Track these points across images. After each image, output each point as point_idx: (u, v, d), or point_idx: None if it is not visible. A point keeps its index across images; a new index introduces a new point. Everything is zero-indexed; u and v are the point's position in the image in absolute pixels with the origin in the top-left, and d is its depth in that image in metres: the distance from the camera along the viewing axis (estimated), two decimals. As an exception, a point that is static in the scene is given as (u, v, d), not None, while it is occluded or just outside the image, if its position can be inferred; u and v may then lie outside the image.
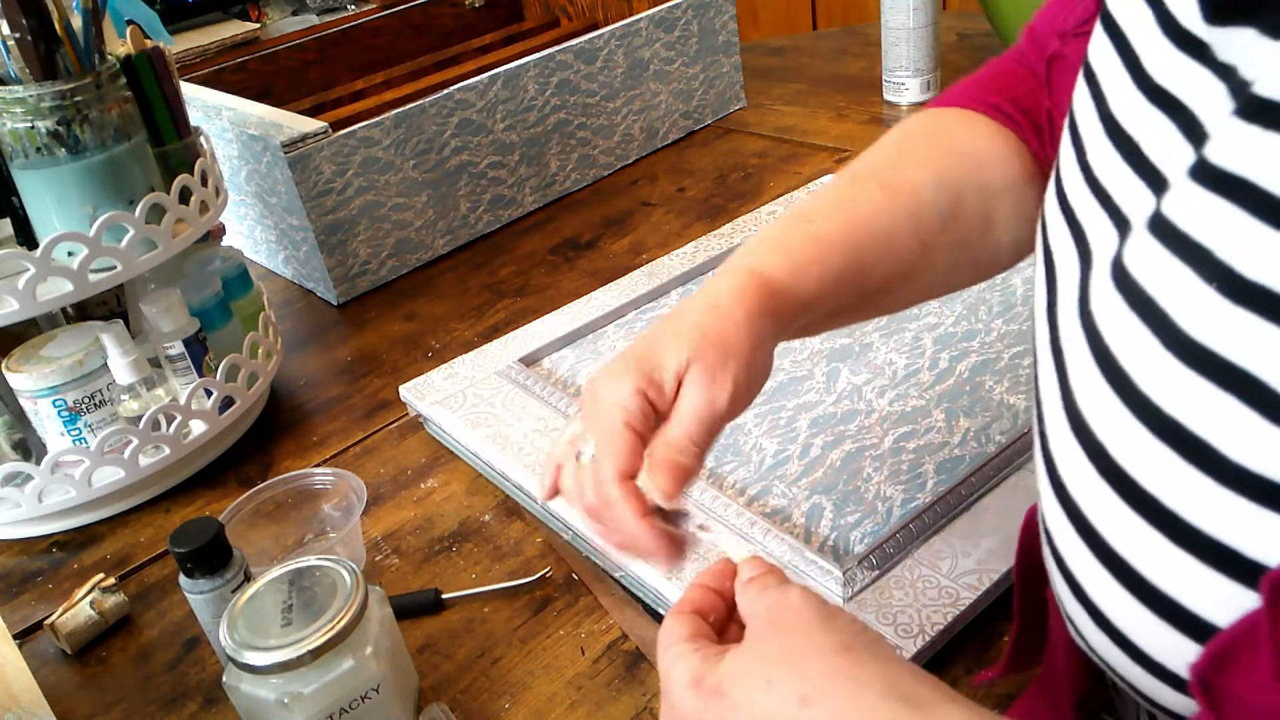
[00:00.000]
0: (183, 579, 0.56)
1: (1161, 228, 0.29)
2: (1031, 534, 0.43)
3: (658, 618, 0.59)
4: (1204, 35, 0.28)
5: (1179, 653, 0.30)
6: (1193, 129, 0.29)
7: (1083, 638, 0.35)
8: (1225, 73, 0.28)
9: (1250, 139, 0.26)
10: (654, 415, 0.43)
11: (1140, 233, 0.30)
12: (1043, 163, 0.50)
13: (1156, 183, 0.30)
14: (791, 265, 0.45)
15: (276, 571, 0.51)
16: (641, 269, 0.92)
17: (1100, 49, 0.34)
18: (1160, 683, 0.32)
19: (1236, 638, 0.27)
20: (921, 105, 1.23)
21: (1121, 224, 0.32)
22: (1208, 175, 0.27)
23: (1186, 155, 0.29)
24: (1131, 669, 0.33)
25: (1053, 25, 0.48)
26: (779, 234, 0.47)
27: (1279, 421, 0.26)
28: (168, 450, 0.74)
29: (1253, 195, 0.26)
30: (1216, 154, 0.27)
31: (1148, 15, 0.31)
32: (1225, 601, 0.28)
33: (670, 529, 0.42)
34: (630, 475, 0.41)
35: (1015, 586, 0.45)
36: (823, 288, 0.46)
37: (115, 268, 0.69)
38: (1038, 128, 0.50)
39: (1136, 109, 0.31)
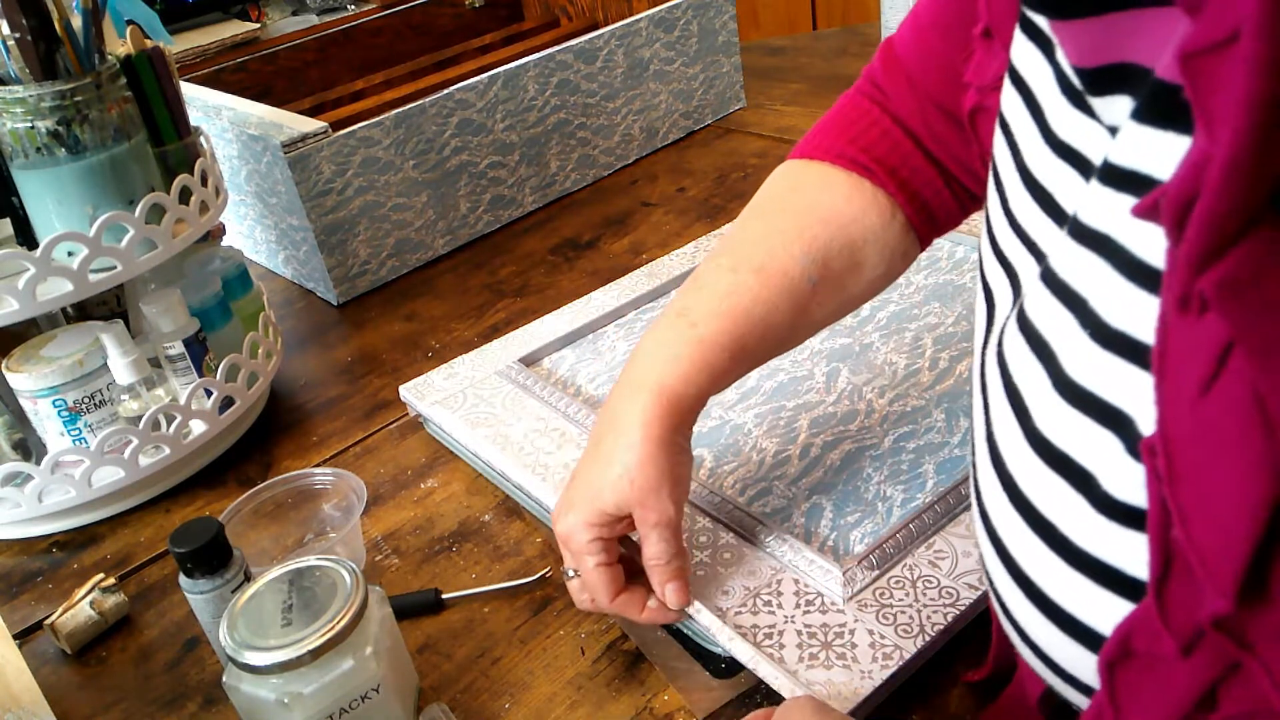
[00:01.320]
0: (183, 579, 0.56)
1: (1048, 277, 0.32)
2: None
3: (658, 618, 0.59)
4: (1091, 101, 0.31)
5: (1077, 659, 0.33)
6: (1087, 172, 0.31)
7: (1014, 645, 0.39)
8: (1112, 131, 0.30)
9: (1108, 200, 0.29)
10: (613, 541, 0.54)
11: (1035, 281, 0.33)
12: (901, 199, 0.55)
13: (1073, 228, 0.32)
14: (683, 375, 0.53)
15: (276, 571, 0.51)
16: (641, 269, 0.92)
17: (1011, 103, 0.37)
18: (1069, 687, 0.35)
19: None
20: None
21: (1042, 264, 0.34)
22: (1079, 232, 0.30)
23: (1075, 204, 0.31)
24: (1049, 675, 0.36)
25: (935, 63, 0.52)
26: (669, 342, 0.54)
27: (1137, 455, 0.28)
28: (168, 450, 0.74)
29: (1114, 251, 0.29)
30: (1085, 213, 0.30)
31: (1048, 74, 0.34)
32: (1110, 614, 0.30)
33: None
34: (617, 593, 0.54)
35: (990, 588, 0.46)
36: (714, 383, 0.54)
37: (115, 268, 0.69)
38: (891, 170, 0.55)
39: (1045, 161, 0.34)
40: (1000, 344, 0.36)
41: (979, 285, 0.41)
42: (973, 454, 0.40)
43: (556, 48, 1.08)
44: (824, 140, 0.57)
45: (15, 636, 0.65)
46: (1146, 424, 0.28)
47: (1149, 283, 0.28)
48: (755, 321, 0.54)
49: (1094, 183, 0.29)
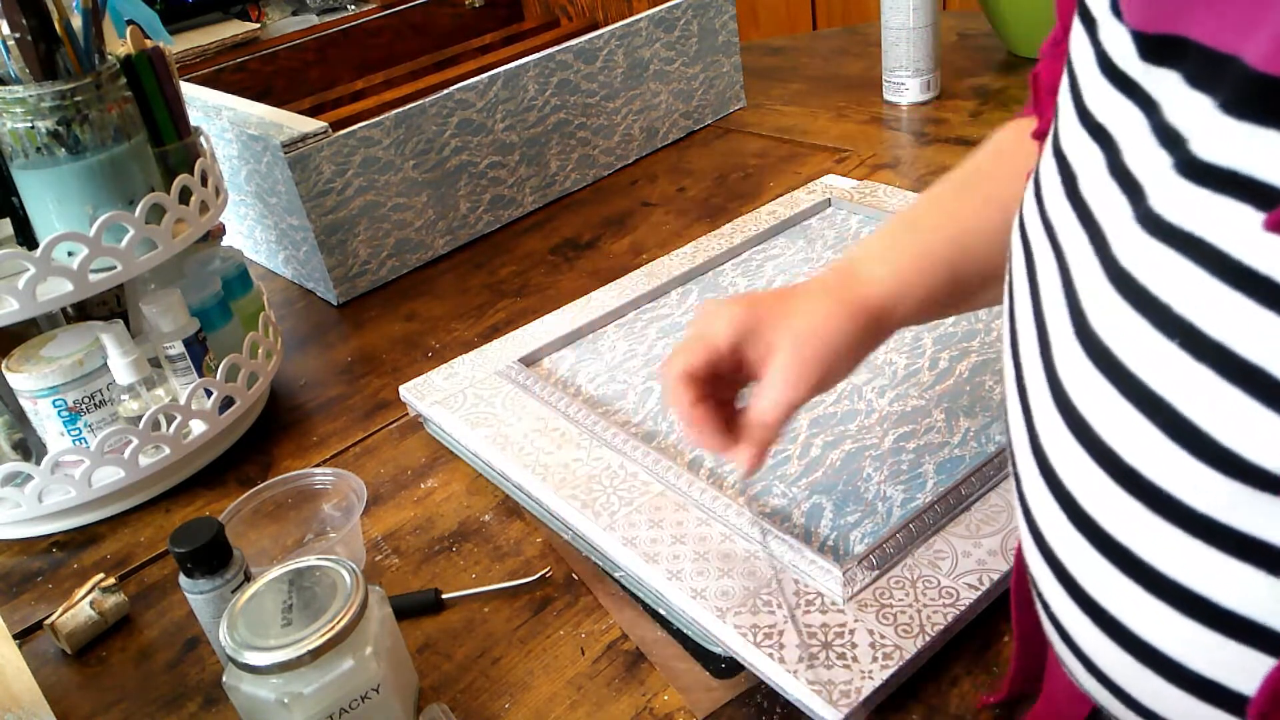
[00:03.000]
0: (183, 579, 0.56)
1: (1117, 276, 0.29)
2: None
3: (658, 618, 0.59)
4: (1135, 73, 0.29)
5: (1165, 697, 0.30)
6: (1115, 164, 0.30)
7: (1075, 679, 0.35)
8: (1148, 105, 0.29)
9: (1194, 198, 0.26)
10: (729, 358, 0.53)
11: (1097, 277, 0.30)
12: None
13: (1086, 218, 0.31)
14: (899, 285, 0.52)
15: (276, 571, 0.51)
16: (641, 269, 0.92)
17: (1062, 81, 0.36)
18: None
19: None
20: (921, 105, 1.23)
21: (1060, 256, 0.32)
22: (1158, 228, 0.27)
23: (1111, 192, 0.30)
24: (1125, 713, 0.33)
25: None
26: (891, 245, 0.54)
27: (1226, 472, 0.26)
28: (168, 450, 0.74)
29: (1205, 252, 0.26)
30: (1162, 207, 0.27)
31: (1089, 53, 0.32)
32: (1203, 649, 0.28)
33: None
34: (690, 376, 0.52)
35: (1013, 610, 0.45)
36: (928, 304, 0.53)
37: (115, 268, 0.69)
38: None
39: (1076, 138, 0.33)
40: (1048, 348, 0.32)
41: (1011, 256, 0.38)
42: (1013, 463, 0.36)
43: (556, 48, 1.08)
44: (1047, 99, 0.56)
45: (15, 636, 0.65)
46: (1253, 451, 0.25)
47: (1255, 290, 0.24)
48: (978, 246, 0.53)
49: (1174, 177, 0.27)
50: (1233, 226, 0.25)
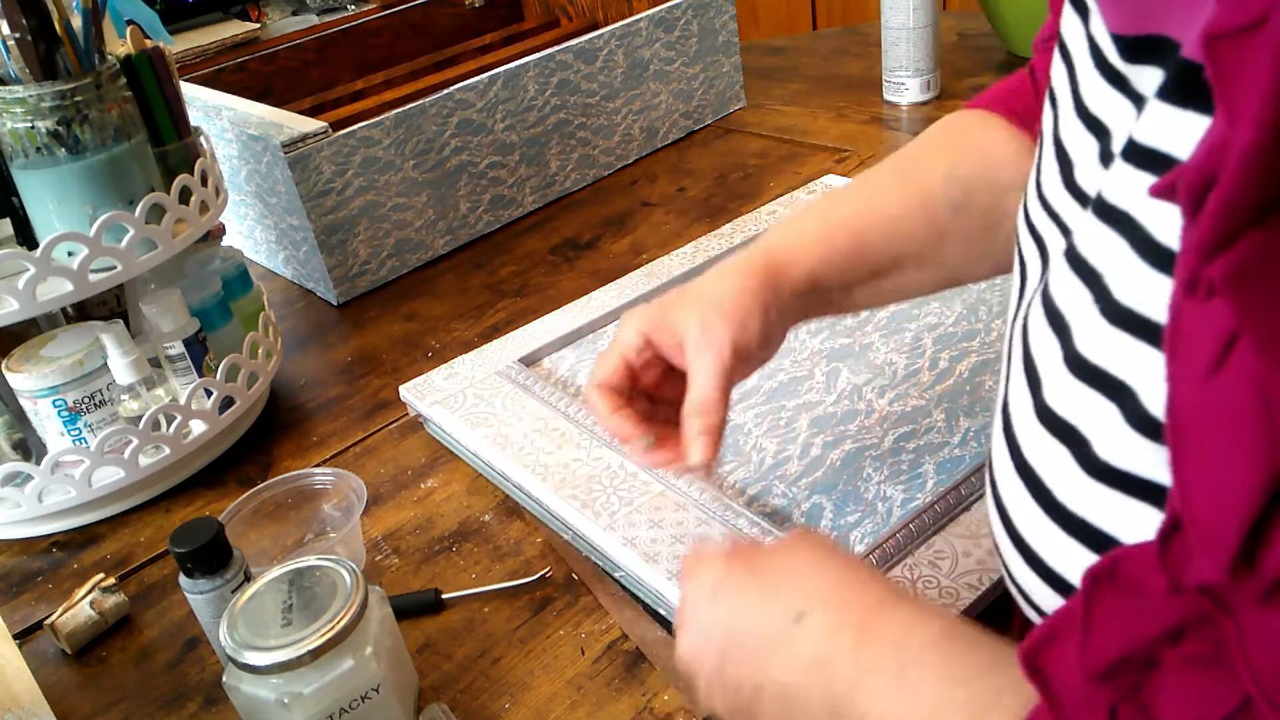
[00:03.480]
0: (183, 579, 0.56)
1: (1070, 254, 0.32)
2: None
3: (658, 618, 0.59)
4: (1123, 69, 0.31)
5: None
6: (1104, 153, 0.32)
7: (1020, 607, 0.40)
8: (1138, 101, 0.30)
9: (1130, 178, 0.29)
10: (653, 358, 0.54)
11: (1059, 257, 0.33)
12: None
13: (1083, 202, 0.33)
14: (800, 242, 0.54)
15: (276, 571, 0.51)
16: (641, 269, 0.92)
17: (1056, 70, 0.37)
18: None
19: (1059, 621, 0.31)
20: (921, 105, 1.23)
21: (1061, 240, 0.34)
22: (1102, 209, 0.30)
23: (1100, 181, 0.31)
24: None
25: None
26: (796, 217, 0.56)
27: (1139, 427, 0.29)
28: (168, 450, 0.74)
29: (1132, 229, 0.29)
30: (1108, 190, 0.30)
31: (1084, 46, 0.34)
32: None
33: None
34: (607, 386, 0.53)
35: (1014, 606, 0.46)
36: (828, 261, 0.53)
37: (115, 268, 0.69)
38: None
39: (1074, 131, 0.34)
40: (1025, 318, 0.36)
41: (1015, 254, 0.40)
42: (993, 426, 0.41)
43: (556, 48, 1.08)
44: (993, 96, 0.58)
45: (15, 636, 0.65)
46: (1148, 396, 0.29)
47: (1163, 264, 0.28)
48: (888, 216, 0.54)
49: (1118, 160, 0.30)
50: (1148, 204, 0.29)
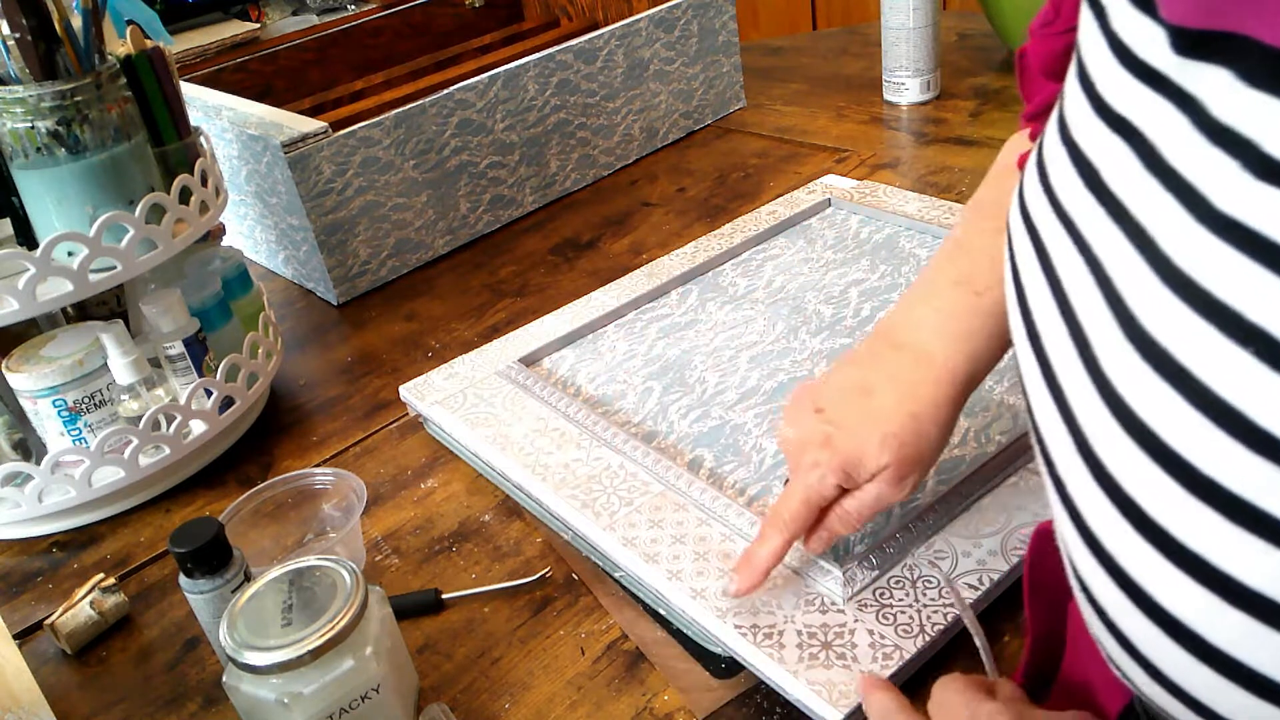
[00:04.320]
0: (183, 579, 0.56)
1: (1177, 280, 0.27)
2: (1042, 548, 0.43)
3: (658, 618, 0.59)
4: (1162, 67, 0.29)
5: (1218, 691, 0.29)
6: (1153, 162, 0.29)
7: (1125, 675, 0.34)
8: (1185, 101, 0.28)
9: (1266, 197, 0.25)
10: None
11: (1147, 278, 0.28)
12: None
13: (1117, 212, 0.30)
14: (974, 353, 0.53)
15: (276, 571, 0.51)
16: (641, 269, 0.92)
17: (1070, 73, 0.35)
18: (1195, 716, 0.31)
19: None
20: (921, 105, 1.23)
21: (1086, 251, 0.31)
22: (1229, 232, 0.26)
23: (1152, 190, 0.28)
24: (1184, 712, 0.31)
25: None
26: (956, 314, 0.53)
27: (1254, 447, 0.25)
28: (168, 450, 0.74)
29: (1270, 250, 0.25)
30: (1234, 210, 0.26)
31: (1100, 38, 0.31)
32: (1254, 642, 0.27)
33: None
34: (791, 538, 0.54)
35: (1026, 607, 0.45)
36: (1002, 352, 0.53)
37: (115, 268, 0.69)
38: None
39: (1093, 132, 0.31)
40: (1087, 346, 0.31)
41: (1012, 242, 0.37)
42: (1047, 458, 0.35)
43: (556, 48, 1.08)
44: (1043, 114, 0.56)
45: (15, 636, 0.65)
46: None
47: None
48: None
49: (1246, 179, 0.26)
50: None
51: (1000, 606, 0.55)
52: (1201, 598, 0.28)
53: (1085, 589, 0.34)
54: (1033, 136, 0.49)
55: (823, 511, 0.54)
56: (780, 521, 0.54)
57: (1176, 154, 0.28)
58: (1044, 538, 0.43)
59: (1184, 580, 0.28)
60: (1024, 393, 0.36)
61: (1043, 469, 0.35)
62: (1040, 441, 0.35)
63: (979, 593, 0.54)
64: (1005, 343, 0.53)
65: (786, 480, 0.56)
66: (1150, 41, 0.29)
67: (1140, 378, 0.28)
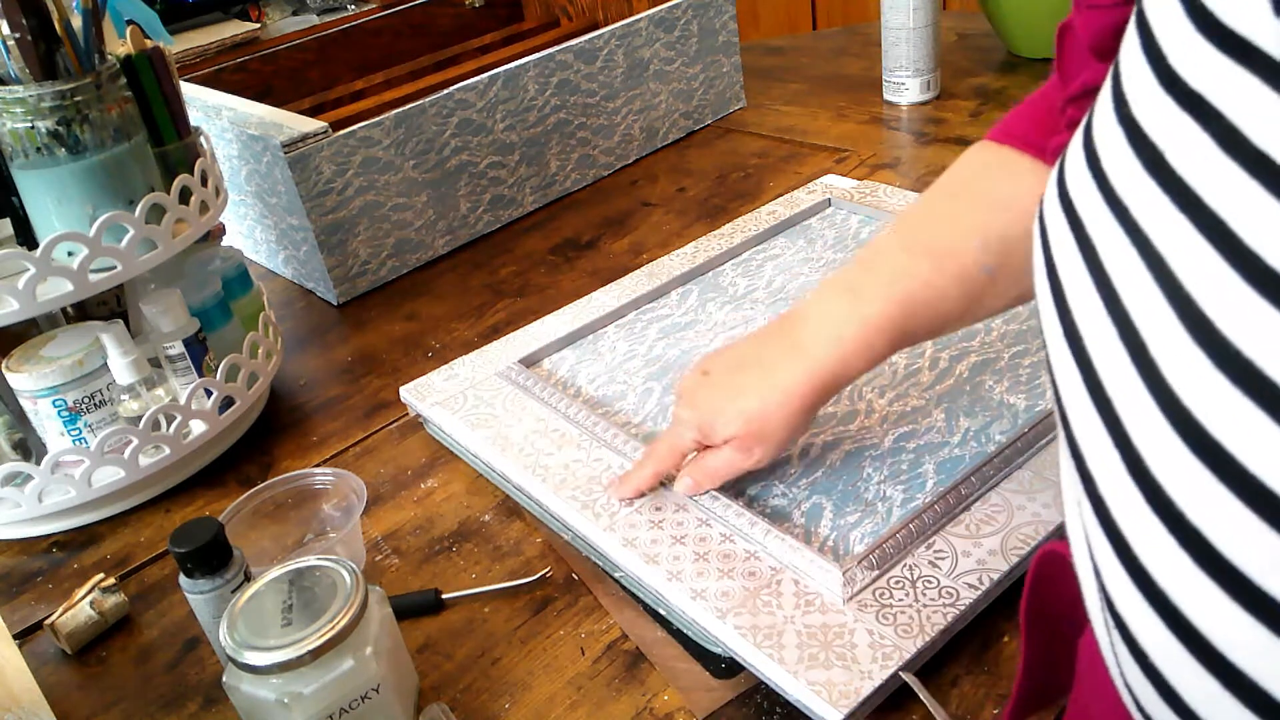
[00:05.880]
0: (183, 579, 0.56)
1: (1262, 275, 0.24)
2: (1044, 575, 0.41)
3: (658, 618, 0.59)
4: (1254, 35, 0.24)
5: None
6: (1236, 145, 0.25)
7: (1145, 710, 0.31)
8: (1275, 74, 0.24)
9: None
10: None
11: (1228, 278, 0.25)
12: None
13: (1186, 199, 0.26)
14: (842, 357, 0.57)
15: (276, 571, 0.51)
16: (641, 269, 0.92)
17: (1128, 44, 0.30)
18: None
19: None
20: (921, 105, 1.23)
21: (1143, 244, 0.27)
22: None
23: (1232, 177, 0.25)
24: None
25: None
26: (835, 319, 0.57)
27: None
28: (168, 450, 0.74)
29: None
30: None
31: (1176, 6, 0.27)
32: None
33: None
34: (658, 473, 0.64)
35: (1022, 630, 0.42)
36: (871, 363, 0.57)
37: (115, 268, 0.69)
38: None
39: (1162, 112, 0.27)
40: (1143, 350, 0.27)
41: (1037, 242, 0.34)
42: (1082, 469, 0.31)
43: (556, 48, 1.08)
44: (1016, 124, 0.55)
45: (15, 636, 0.65)
46: None
47: None
48: (922, 306, 0.55)
49: None
50: None
51: (1000, 606, 0.55)
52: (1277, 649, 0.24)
53: (1122, 626, 0.30)
54: (1070, 124, 0.46)
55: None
56: (653, 457, 0.63)
57: (1264, 135, 0.24)
58: (1049, 563, 0.40)
59: (1259, 630, 0.25)
60: (1057, 401, 0.32)
61: (1076, 487, 0.32)
62: (1078, 458, 0.31)
63: (979, 593, 0.54)
64: (879, 354, 0.57)
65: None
66: (1240, 5, 0.24)
67: (1212, 390, 0.24)
